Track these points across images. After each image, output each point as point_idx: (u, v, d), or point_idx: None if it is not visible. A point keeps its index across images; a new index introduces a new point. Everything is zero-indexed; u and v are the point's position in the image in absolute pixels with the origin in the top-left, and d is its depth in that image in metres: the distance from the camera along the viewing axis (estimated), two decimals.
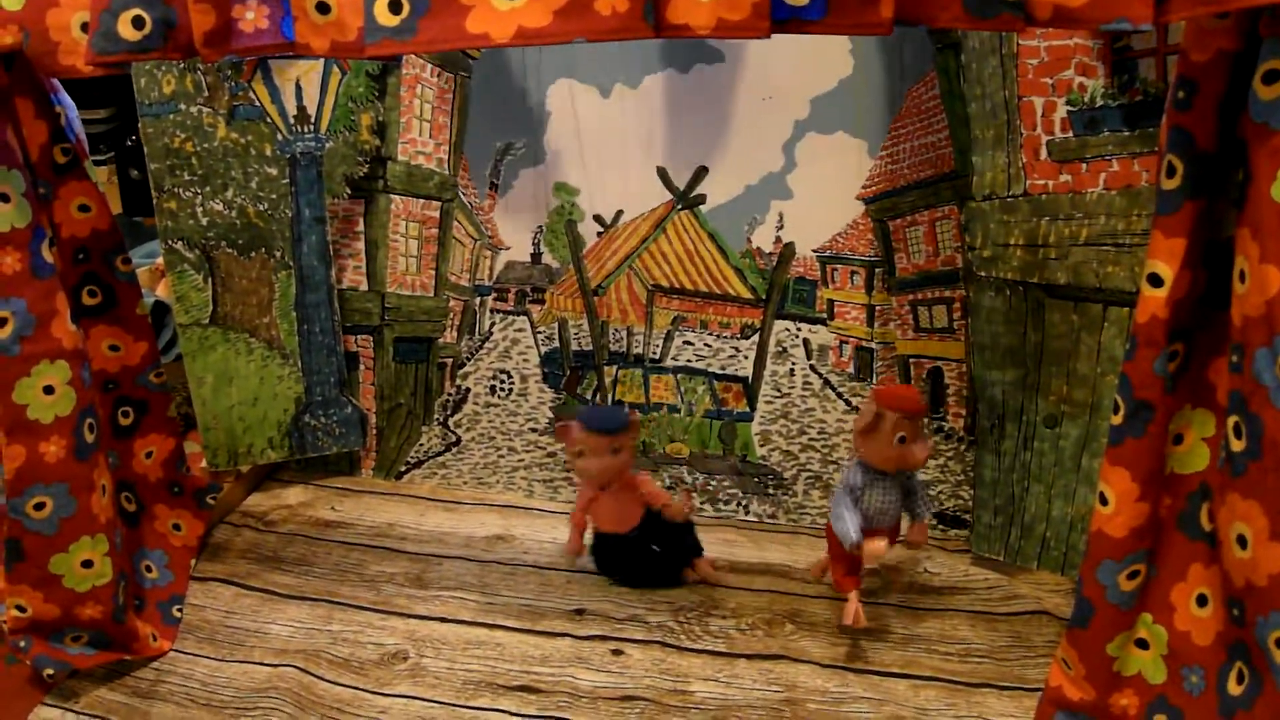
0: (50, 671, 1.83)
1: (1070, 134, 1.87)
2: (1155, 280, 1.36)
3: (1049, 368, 1.98)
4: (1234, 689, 1.39)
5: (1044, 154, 1.90)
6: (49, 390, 1.73)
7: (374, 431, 2.63)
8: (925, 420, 1.91)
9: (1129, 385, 1.42)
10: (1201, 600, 1.46)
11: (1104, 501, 1.48)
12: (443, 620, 2.03)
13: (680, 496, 2.12)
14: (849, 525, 1.84)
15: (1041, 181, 1.91)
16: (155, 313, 2.30)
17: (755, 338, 2.39)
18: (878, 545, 1.84)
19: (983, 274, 2.01)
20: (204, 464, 2.45)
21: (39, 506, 1.74)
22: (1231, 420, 1.33)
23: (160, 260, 2.40)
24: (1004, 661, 1.87)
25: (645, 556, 2.10)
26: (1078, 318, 1.92)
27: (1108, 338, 1.89)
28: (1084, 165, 1.86)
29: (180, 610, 2.08)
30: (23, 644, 1.81)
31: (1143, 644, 1.54)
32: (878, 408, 1.81)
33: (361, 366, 2.59)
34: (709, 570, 2.16)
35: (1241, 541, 1.32)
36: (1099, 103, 1.82)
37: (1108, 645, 1.55)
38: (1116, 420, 1.45)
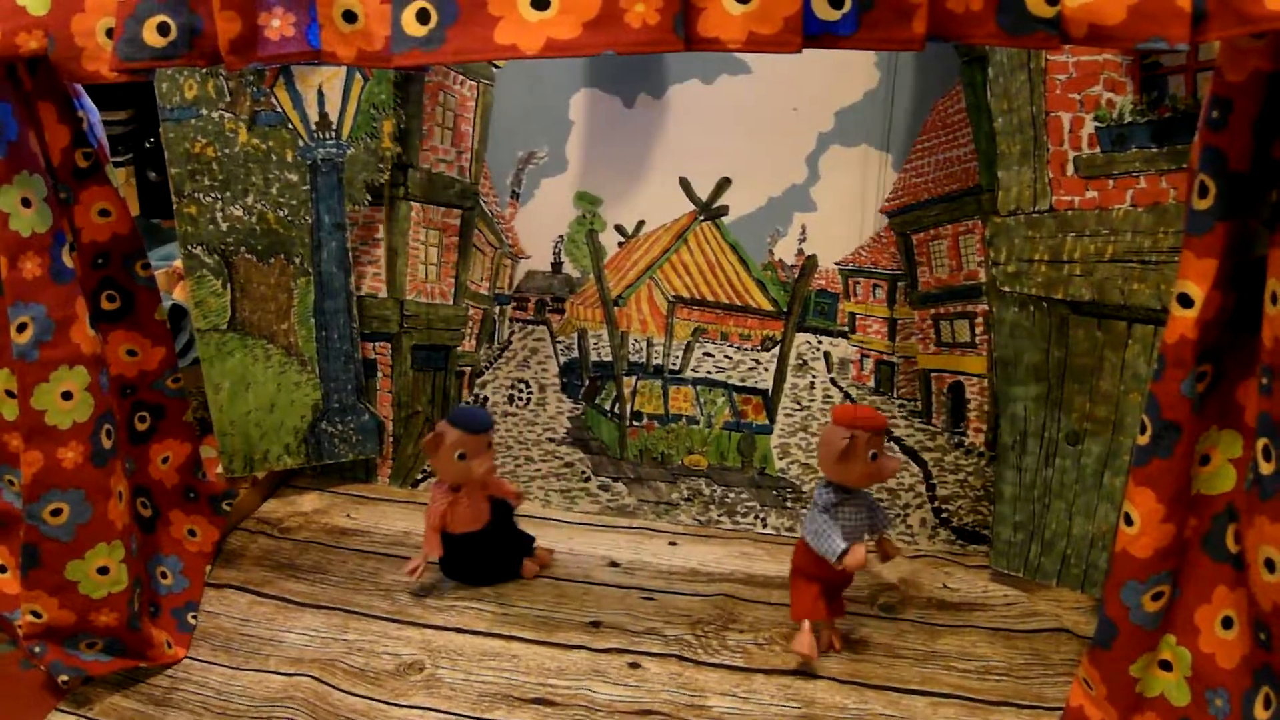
0: (65, 678, 1.82)
1: (1098, 150, 1.85)
2: (1185, 301, 1.35)
3: (1072, 384, 1.96)
4: (1260, 714, 1.38)
5: (1070, 170, 1.89)
6: (67, 396, 1.72)
7: (391, 439, 2.62)
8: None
9: (1156, 406, 1.41)
10: (1227, 623, 1.46)
11: (1129, 522, 1.47)
12: (459, 631, 2.02)
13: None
14: (834, 538, 1.83)
15: (1068, 197, 1.90)
16: (172, 316, 2.30)
17: (776, 350, 2.38)
18: (860, 550, 1.82)
19: (1006, 289, 1.99)
20: (220, 470, 2.44)
21: (56, 513, 1.73)
22: (1261, 443, 1.32)
23: (178, 263, 2.39)
24: (1023, 679, 1.85)
25: (496, 552, 2.16)
26: (1102, 334, 1.91)
27: (1132, 355, 1.88)
28: (1111, 182, 1.85)
29: (195, 617, 2.07)
30: (38, 650, 1.80)
31: (1166, 666, 1.53)
32: (850, 430, 1.81)
33: (379, 374, 2.58)
34: (546, 558, 2.24)
35: (1270, 565, 1.31)
36: (1127, 119, 1.81)
37: (1130, 666, 1.54)
38: (1143, 440, 1.44)
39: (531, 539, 2.24)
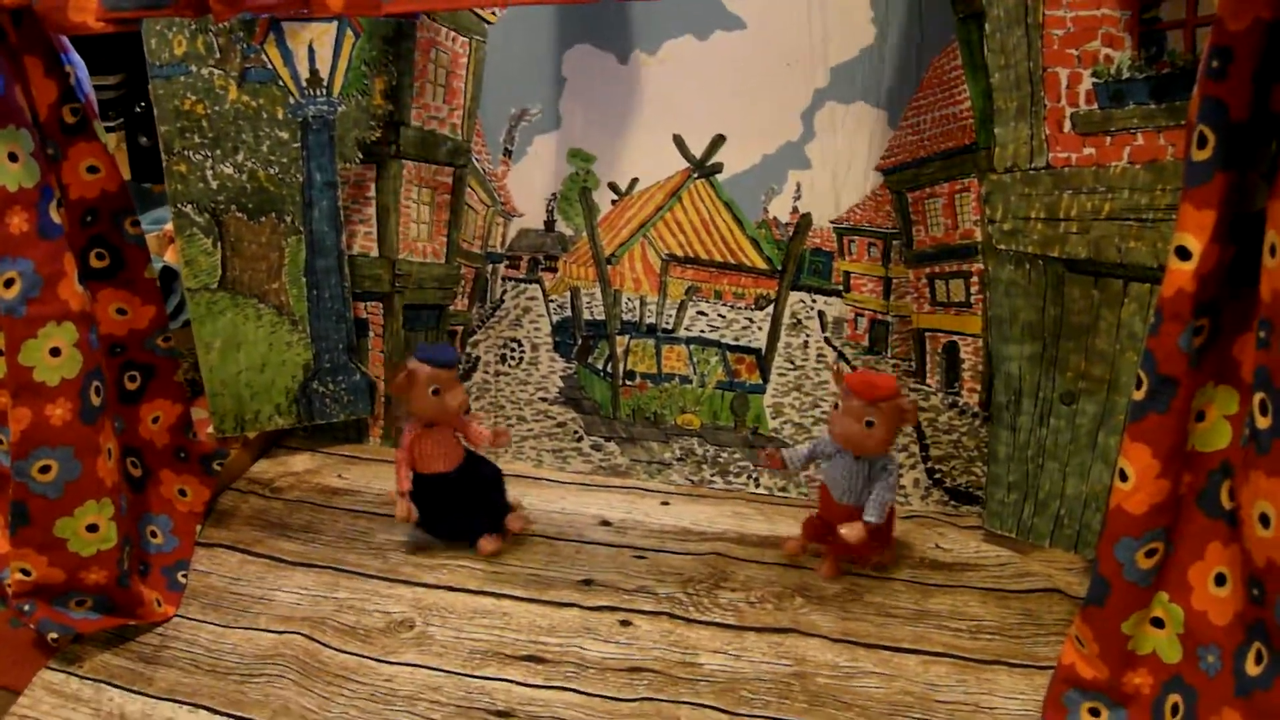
0: (54, 635, 1.82)
1: (1095, 106, 1.83)
2: (1183, 253, 1.34)
3: (1067, 343, 1.95)
4: (1252, 669, 1.37)
5: (1068, 126, 1.87)
6: (55, 352, 1.71)
7: (382, 399, 2.61)
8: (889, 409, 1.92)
9: (1153, 360, 1.40)
10: (1220, 579, 1.45)
11: (1123, 478, 1.46)
12: (449, 589, 2.02)
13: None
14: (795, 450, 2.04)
15: (1064, 154, 1.88)
16: (163, 279, 2.30)
17: (770, 309, 2.38)
18: (775, 454, 2.02)
19: (1002, 247, 1.98)
20: (210, 430, 2.43)
21: (44, 470, 1.72)
22: (1257, 397, 1.31)
23: (169, 226, 2.39)
24: (1015, 639, 1.86)
25: (465, 499, 2.13)
26: (1098, 293, 1.89)
27: (1128, 314, 1.86)
28: (1108, 138, 1.83)
29: (185, 576, 2.07)
30: (27, 608, 1.79)
31: (1158, 623, 1.53)
32: (848, 391, 1.90)
33: (371, 333, 2.57)
34: (521, 525, 2.21)
35: (1264, 520, 1.30)
36: (1125, 75, 1.79)
37: (1123, 624, 1.54)
38: (1139, 395, 1.43)
39: (508, 508, 2.23)
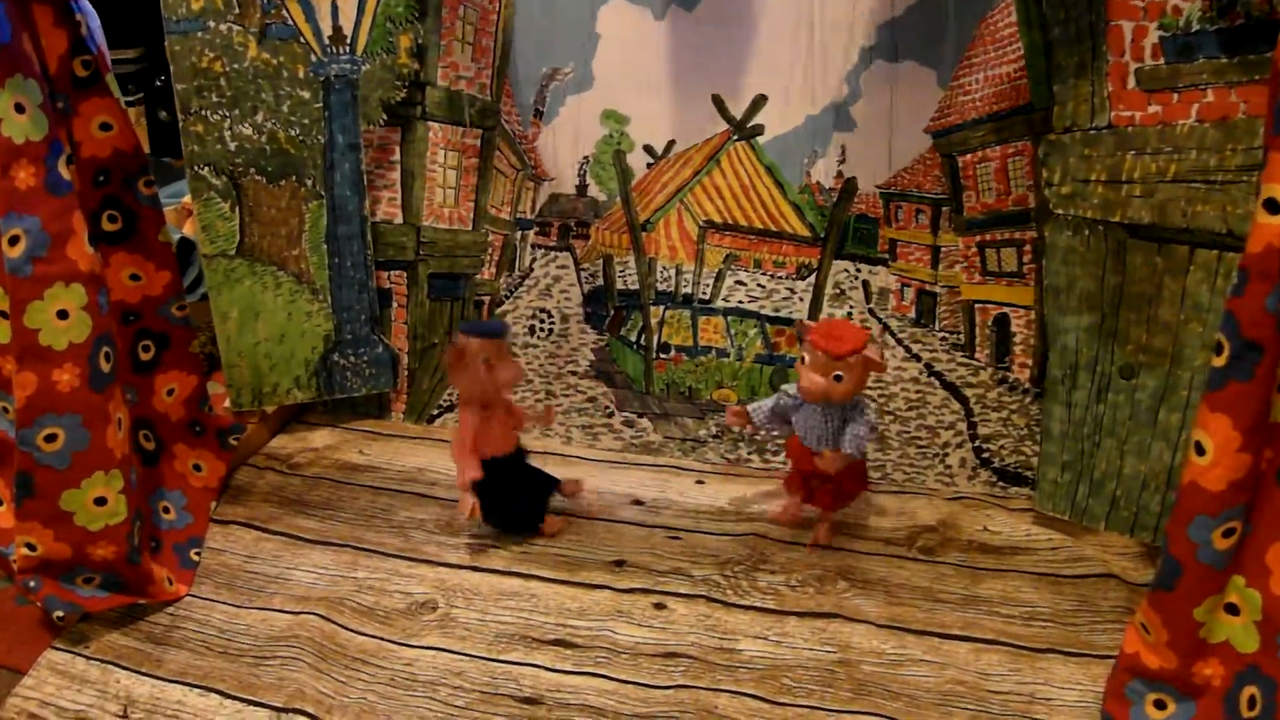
0: (60, 614, 1.77)
1: (1161, 61, 1.77)
2: (1272, 206, 1.26)
3: (1128, 314, 1.89)
4: None
5: (1132, 83, 1.80)
6: (63, 315, 1.66)
7: (405, 373, 2.57)
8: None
9: (1235, 323, 1.32)
10: None
11: (1200, 451, 1.39)
12: (474, 569, 1.98)
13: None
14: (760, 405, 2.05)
15: (1128, 113, 1.81)
16: (181, 251, 2.26)
17: (812, 279, 2.35)
18: (739, 410, 2.06)
19: (1060, 212, 1.92)
20: (227, 404, 2.39)
21: (50, 438, 1.67)
22: None
23: (188, 199, 2.35)
24: (1070, 626, 1.80)
25: (525, 482, 2.09)
26: (1161, 260, 1.83)
27: (1193, 282, 1.79)
28: (1175, 95, 1.76)
29: (198, 554, 2.03)
30: (32, 584, 1.75)
31: (1233, 609, 1.46)
32: (810, 342, 1.89)
33: (394, 304, 2.53)
34: (577, 489, 2.19)
35: None
36: (1195, 27, 1.71)
37: (1195, 609, 1.47)
38: (1219, 362, 1.35)
39: (555, 482, 2.15)
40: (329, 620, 1.82)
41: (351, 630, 1.80)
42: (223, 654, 1.76)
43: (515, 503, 2.08)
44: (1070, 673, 1.69)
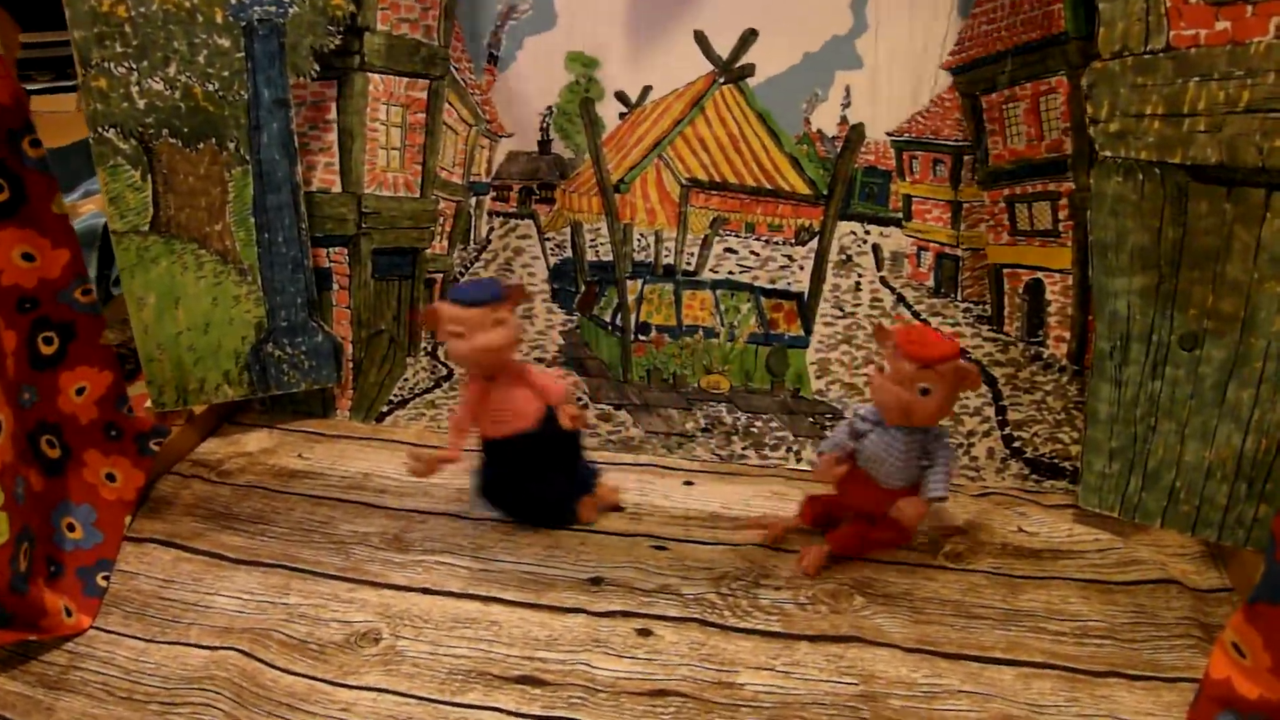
0: None
1: None
2: None
3: (1190, 273, 1.73)
4: None
5: None
6: None
7: (350, 364, 2.46)
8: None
9: None
10: None
11: None
12: (425, 591, 1.85)
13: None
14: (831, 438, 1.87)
15: (1190, 31, 1.65)
16: (106, 239, 2.25)
17: (813, 244, 2.27)
18: (825, 460, 1.84)
19: (1108, 154, 1.77)
20: (148, 404, 2.27)
21: None
22: None
23: None
24: (1130, 644, 1.65)
25: (542, 465, 1.96)
26: (1231, 207, 1.67)
27: (1270, 233, 1.64)
28: (1249, 8, 1.60)
29: (107, 578, 1.89)
30: None
31: None
32: (897, 351, 1.73)
33: (335, 285, 2.43)
34: (611, 497, 2.08)
35: None
36: None
37: None
38: None
39: (593, 472, 2.07)
40: (252, 657, 1.67)
41: (278, 669, 1.65)
42: (126, 699, 1.60)
43: (522, 490, 2.00)
44: (1139, 701, 1.54)
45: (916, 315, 2.20)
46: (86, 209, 2.58)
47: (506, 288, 1.82)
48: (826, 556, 1.87)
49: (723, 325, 2.32)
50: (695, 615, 1.75)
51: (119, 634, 1.75)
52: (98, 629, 1.76)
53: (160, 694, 1.60)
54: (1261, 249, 1.66)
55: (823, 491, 1.93)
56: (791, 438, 2.26)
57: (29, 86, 2.76)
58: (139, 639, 1.73)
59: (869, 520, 1.85)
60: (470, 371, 1.93)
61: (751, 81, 2.22)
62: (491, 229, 2.41)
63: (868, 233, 2.22)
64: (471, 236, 2.42)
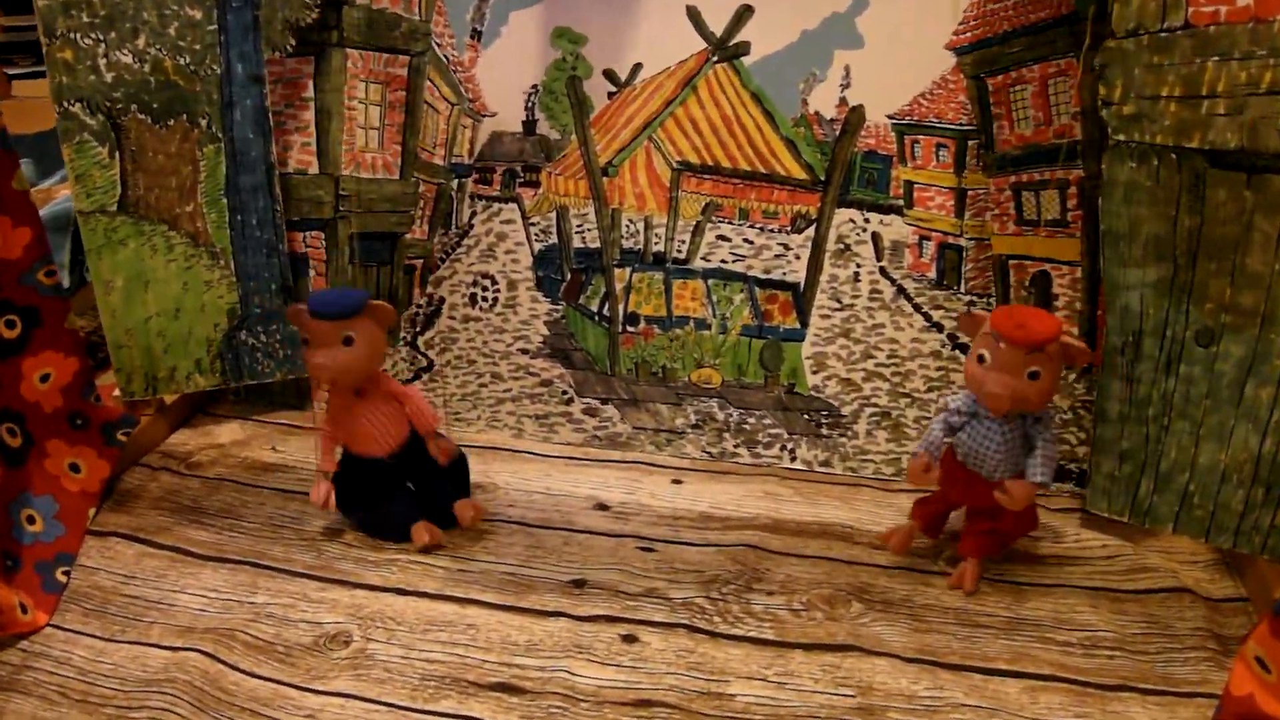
0: None
1: None
2: None
3: (1207, 264, 1.69)
4: None
5: None
6: None
7: None
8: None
9: None
10: None
11: None
12: (399, 592, 1.80)
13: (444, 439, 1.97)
14: (926, 437, 1.79)
15: (1210, 8, 1.61)
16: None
17: (810, 232, 2.22)
18: (917, 463, 1.76)
19: (1121, 138, 1.72)
20: (116, 392, 2.24)
21: None
22: None
23: None
24: (1141, 655, 1.61)
25: (399, 491, 1.96)
26: (1252, 194, 1.62)
27: None
28: None
29: (67, 573, 1.86)
30: None
31: None
32: (991, 331, 1.67)
33: (311, 271, 2.38)
34: (469, 516, 1.98)
35: None
36: None
37: None
38: None
39: (465, 489, 2.03)
40: (215, 659, 1.63)
41: (242, 671, 1.61)
42: (80, 703, 1.55)
43: (378, 510, 1.96)
44: (1153, 717, 1.49)
45: (917, 308, 2.15)
46: (62, 192, 2.54)
47: (367, 304, 1.77)
48: (979, 563, 1.82)
49: (715, 317, 2.29)
50: (683, 621, 1.71)
51: (77, 632, 1.71)
52: (55, 627, 1.73)
53: (116, 697, 1.56)
54: None
55: (926, 493, 1.89)
56: (786, 435, 2.23)
57: (10, 71, 2.73)
58: (97, 638, 1.69)
59: (989, 516, 1.79)
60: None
61: (746, 60, 2.19)
62: (474, 213, 2.36)
63: (867, 221, 2.19)
64: (453, 221, 2.38)
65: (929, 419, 2.10)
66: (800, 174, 2.18)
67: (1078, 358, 1.67)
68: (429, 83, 2.31)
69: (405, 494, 1.97)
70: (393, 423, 1.90)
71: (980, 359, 1.68)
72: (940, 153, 2.12)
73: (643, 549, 1.91)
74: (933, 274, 2.15)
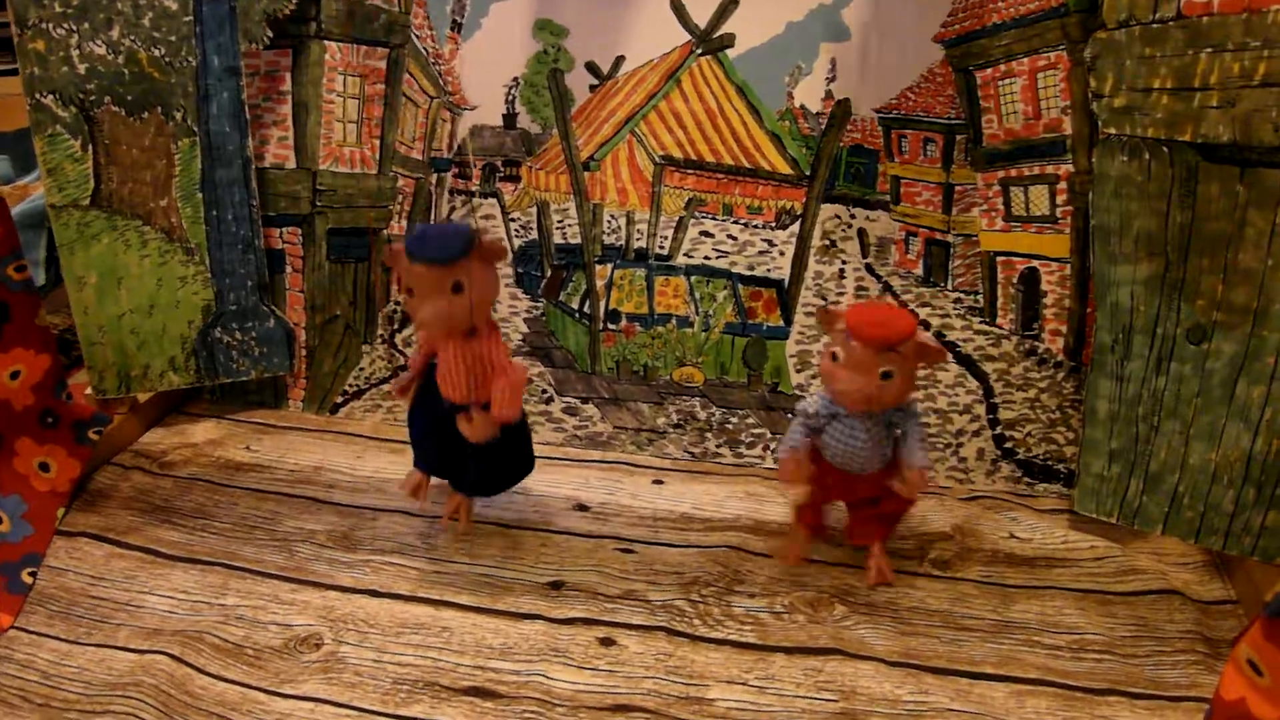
0: None
1: None
2: None
3: (1199, 260, 1.68)
4: None
5: None
6: None
7: (303, 352, 2.40)
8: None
9: None
10: None
11: None
12: (373, 594, 1.77)
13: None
14: (787, 439, 1.75)
15: None
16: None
17: (795, 227, 2.18)
18: (786, 463, 1.73)
19: (1112, 131, 1.72)
20: (89, 390, 2.22)
21: None
22: None
23: None
24: (1130, 659, 1.59)
25: (445, 437, 1.80)
26: (1244, 189, 1.62)
27: None
28: None
29: (34, 574, 1.82)
30: None
31: None
32: (845, 331, 1.63)
33: (288, 267, 2.35)
34: (453, 508, 1.93)
35: None
36: None
37: None
38: None
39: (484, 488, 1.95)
40: (182, 662, 1.59)
41: (210, 675, 1.57)
42: (42, 707, 1.52)
43: (441, 454, 1.87)
44: None
45: (903, 305, 2.12)
46: (39, 189, 2.52)
47: (475, 242, 1.60)
48: (883, 556, 1.81)
49: (697, 314, 2.26)
50: (662, 624, 1.68)
51: (41, 634, 1.68)
52: (19, 629, 1.69)
53: (80, 701, 1.53)
54: (1276, 235, 1.61)
55: (802, 498, 1.84)
56: (769, 435, 2.21)
57: None
58: (62, 640, 1.66)
59: (870, 503, 1.78)
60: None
61: (731, 52, 2.14)
62: (453, 208, 2.33)
63: (853, 216, 2.15)
64: (432, 216, 2.35)
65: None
66: (785, 169, 2.16)
67: (933, 358, 1.64)
68: (408, 75, 2.29)
69: (441, 443, 1.84)
70: (474, 380, 1.72)
71: (834, 356, 1.64)
72: (928, 147, 2.09)
73: (622, 550, 1.89)
74: (919, 271, 2.13)
